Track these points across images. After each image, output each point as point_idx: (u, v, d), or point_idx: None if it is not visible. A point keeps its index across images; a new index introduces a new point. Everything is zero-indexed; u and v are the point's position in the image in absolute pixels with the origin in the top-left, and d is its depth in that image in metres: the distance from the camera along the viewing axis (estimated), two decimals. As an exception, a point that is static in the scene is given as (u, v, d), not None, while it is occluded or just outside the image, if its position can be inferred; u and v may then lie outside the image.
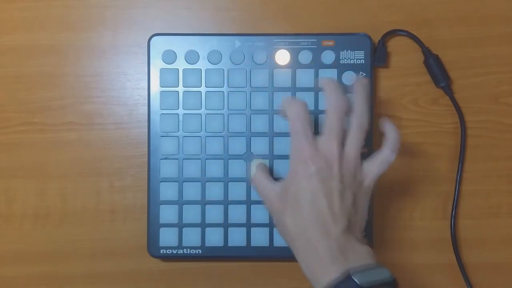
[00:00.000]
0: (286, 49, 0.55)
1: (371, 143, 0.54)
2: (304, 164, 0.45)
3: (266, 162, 0.54)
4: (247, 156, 0.55)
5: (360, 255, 0.43)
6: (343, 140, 0.46)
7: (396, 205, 0.57)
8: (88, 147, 0.57)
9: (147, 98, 0.55)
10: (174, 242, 0.54)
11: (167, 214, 0.54)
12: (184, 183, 0.55)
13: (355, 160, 0.46)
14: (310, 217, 0.44)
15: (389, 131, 0.48)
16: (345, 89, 0.48)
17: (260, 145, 0.55)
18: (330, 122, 0.47)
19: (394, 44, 0.57)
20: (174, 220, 0.54)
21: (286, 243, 0.47)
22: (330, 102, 0.47)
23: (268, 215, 0.54)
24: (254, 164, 0.53)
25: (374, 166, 0.47)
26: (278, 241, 0.54)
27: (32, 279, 0.57)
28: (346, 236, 0.44)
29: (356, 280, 0.41)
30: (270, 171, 0.54)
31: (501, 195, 0.57)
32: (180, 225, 0.55)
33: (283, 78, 0.55)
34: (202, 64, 0.55)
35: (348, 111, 0.47)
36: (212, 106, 0.55)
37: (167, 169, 0.55)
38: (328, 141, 0.46)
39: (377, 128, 0.55)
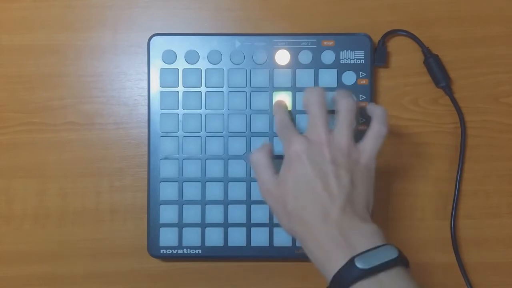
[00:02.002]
0: (286, 49, 0.55)
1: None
2: (294, 152, 0.46)
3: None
4: (247, 156, 0.55)
5: (364, 236, 0.42)
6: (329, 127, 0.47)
7: (396, 205, 0.57)
8: (88, 147, 0.57)
9: (147, 98, 0.55)
10: (174, 242, 0.54)
11: (167, 214, 0.54)
12: (184, 183, 0.55)
13: (346, 140, 0.46)
14: (308, 201, 0.44)
15: (374, 108, 0.48)
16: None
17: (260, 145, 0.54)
18: (311, 113, 0.47)
19: (394, 44, 0.57)
20: (174, 220, 0.54)
21: (296, 238, 0.47)
22: (308, 100, 0.48)
23: (268, 215, 0.54)
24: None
25: (368, 143, 0.47)
26: (278, 241, 0.54)
27: (32, 279, 0.57)
28: (347, 217, 0.43)
29: (358, 266, 0.40)
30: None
31: (501, 195, 0.57)
32: (180, 225, 0.55)
33: (283, 78, 0.55)
34: (202, 64, 0.55)
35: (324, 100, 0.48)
36: (212, 106, 0.55)
37: (167, 169, 0.55)
38: (314, 128, 0.47)
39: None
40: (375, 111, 0.48)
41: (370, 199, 0.46)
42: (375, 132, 0.47)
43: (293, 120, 0.51)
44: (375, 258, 0.41)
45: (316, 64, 0.55)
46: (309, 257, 0.45)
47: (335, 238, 0.42)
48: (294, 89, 0.54)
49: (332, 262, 0.42)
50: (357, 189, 0.45)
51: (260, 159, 0.48)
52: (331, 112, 0.49)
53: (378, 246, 0.42)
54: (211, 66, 0.55)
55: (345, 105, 0.48)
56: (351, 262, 0.41)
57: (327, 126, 0.47)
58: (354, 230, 0.43)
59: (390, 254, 0.41)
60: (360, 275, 0.40)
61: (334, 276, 0.41)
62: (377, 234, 0.43)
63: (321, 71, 0.54)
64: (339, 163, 0.45)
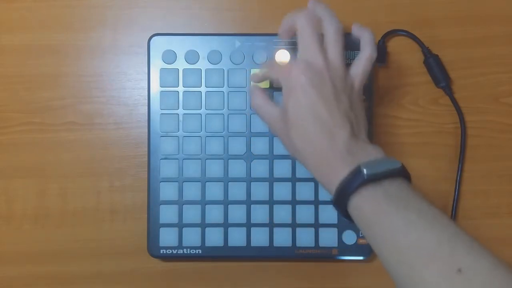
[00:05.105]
0: (286, 49, 0.54)
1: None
2: (295, 79, 0.45)
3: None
4: (247, 156, 0.55)
5: (368, 152, 0.44)
6: (324, 50, 0.47)
7: (396, 205, 0.57)
8: (88, 147, 0.57)
9: (147, 98, 0.55)
10: (174, 242, 0.54)
11: (167, 214, 0.54)
12: (184, 183, 0.55)
13: (341, 65, 0.46)
14: (314, 127, 0.44)
15: (362, 32, 0.48)
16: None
17: (260, 145, 0.55)
18: (304, 38, 0.47)
19: (394, 44, 0.57)
20: (174, 220, 0.55)
21: (298, 160, 0.47)
22: (299, 22, 0.47)
23: (268, 215, 0.54)
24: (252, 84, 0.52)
25: (360, 68, 0.47)
26: (278, 241, 0.55)
27: (32, 279, 0.57)
28: (351, 138, 0.44)
29: (364, 172, 0.41)
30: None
31: (501, 195, 0.57)
32: (180, 225, 0.55)
33: (283, 78, 0.55)
34: (202, 64, 0.55)
35: (317, 22, 0.47)
36: (212, 106, 0.55)
37: (167, 169, 0.55)
38: (310, 53, 0.46)
39: (375, 124, 0.55)
40: (362, 33, 0.48)
41: (366, 123, 0.47)
42: (366, 56, 0.47)
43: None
44: (379, 166, 0.42)
45: (316, 64, 0.54)
46: (314, 175, 0.45)
47: (341, 154, 0.43)
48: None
49: (338, 173, 0.43)
50: (355, 113, 0.46)
51: (259, 102, 0.48)
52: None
53: (382, 159, 0.43)
54: (211, 66, 0.55)
55: (334, 27, 0.47)
56: (357, 169, 0.42)
57: (323, 48, 0.46)
58: (358, 148, 0.44)
59: (394, 164, 0.42)
60: (365, 181, 0.41)
61: (341, 183, 0.42)
62: (381, 151, 0.44)
63: (321, 71, 0.54)
64: (338, 88, 0.45)
